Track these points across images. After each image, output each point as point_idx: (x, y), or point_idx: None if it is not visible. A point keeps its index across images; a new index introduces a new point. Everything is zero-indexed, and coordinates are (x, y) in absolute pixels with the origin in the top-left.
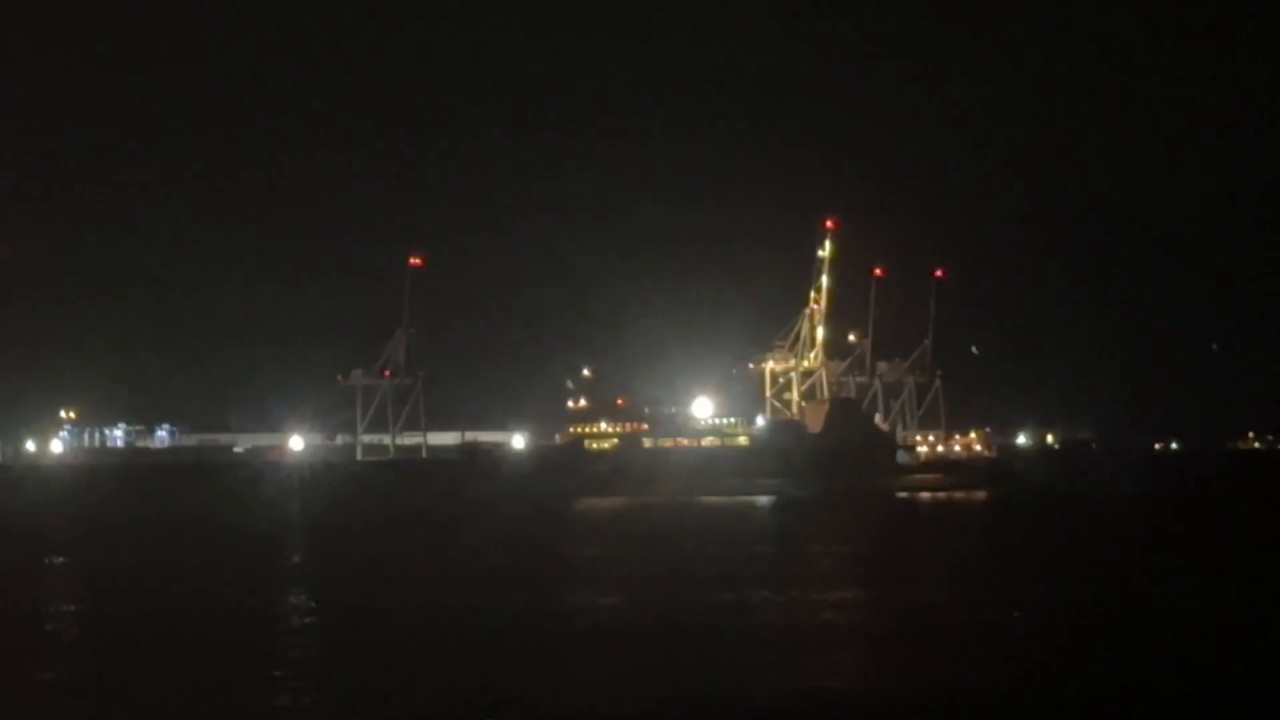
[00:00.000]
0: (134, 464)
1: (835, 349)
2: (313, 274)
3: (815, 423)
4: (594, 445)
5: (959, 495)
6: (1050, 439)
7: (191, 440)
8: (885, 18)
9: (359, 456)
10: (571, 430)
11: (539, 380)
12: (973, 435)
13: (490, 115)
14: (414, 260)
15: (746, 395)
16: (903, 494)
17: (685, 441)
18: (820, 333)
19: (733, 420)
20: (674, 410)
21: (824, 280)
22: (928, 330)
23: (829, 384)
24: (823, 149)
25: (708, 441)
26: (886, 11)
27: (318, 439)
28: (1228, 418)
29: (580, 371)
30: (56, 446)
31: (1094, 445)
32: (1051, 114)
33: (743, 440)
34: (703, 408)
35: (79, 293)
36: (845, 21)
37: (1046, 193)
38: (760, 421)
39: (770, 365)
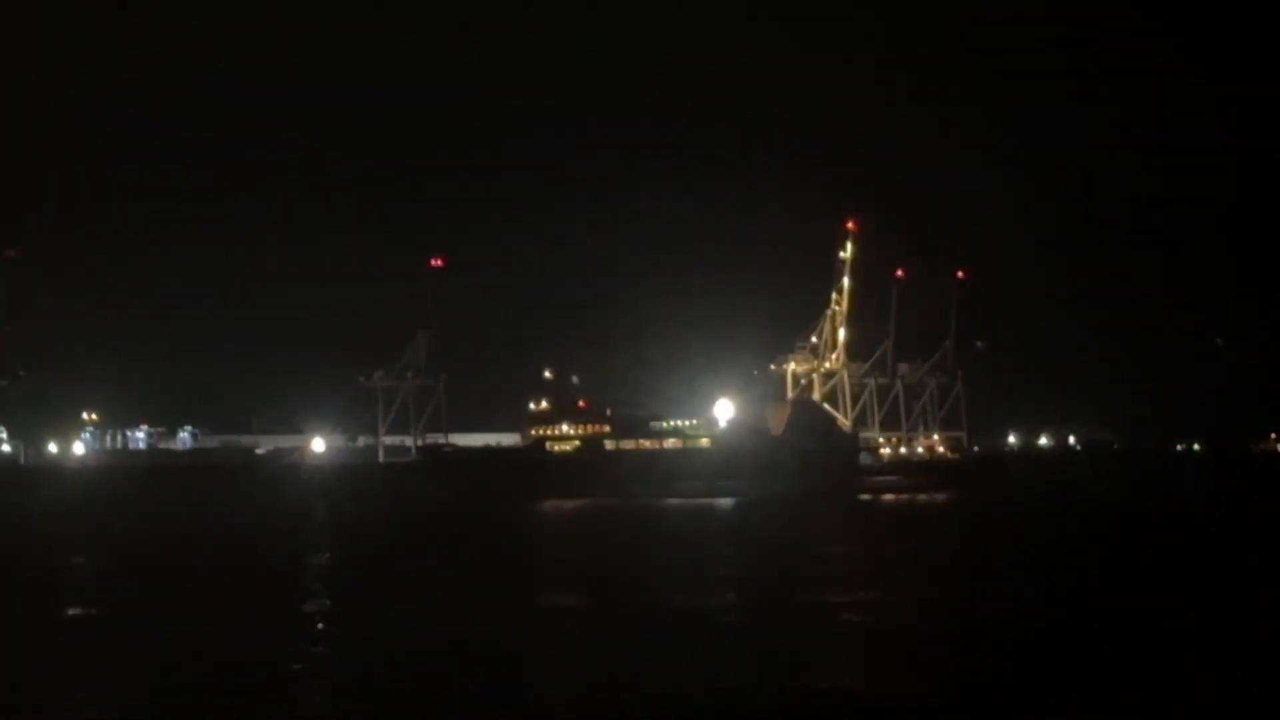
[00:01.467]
0: (154, 466)
1: (857, 350)
2: (334, 276)
3: (777, 424)
4: (555, 447)
5: (920, 497)
6: (1072, 439)
7: (213, 442)
8: (908, 17)
9: (381, 458)
10: (533, 432)
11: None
12: (935, 437)
13: (513, 117)
14: (435, 262)
15: (768, 397)
16: (864, 495)
17: (647, 444)
18: (842, 334)
19: (694, 422)
20: (640, 413)
21: (845, 282)
22: (949, 331)
23: (850, 385)
24: (844, 150)
25: (670, 443)
26: (909, 11)
27: (339, 441)
28: (1251, 419)
29: (557, 373)
30: (78, 448)
31: (1115, 446)
32: (1075, 113)
33: (705, 442)
34: (724, 410)
35: (101, 295)
36: (868, 21)
37: (1069, 192)
38: (722, 423)
39: (792, 367)
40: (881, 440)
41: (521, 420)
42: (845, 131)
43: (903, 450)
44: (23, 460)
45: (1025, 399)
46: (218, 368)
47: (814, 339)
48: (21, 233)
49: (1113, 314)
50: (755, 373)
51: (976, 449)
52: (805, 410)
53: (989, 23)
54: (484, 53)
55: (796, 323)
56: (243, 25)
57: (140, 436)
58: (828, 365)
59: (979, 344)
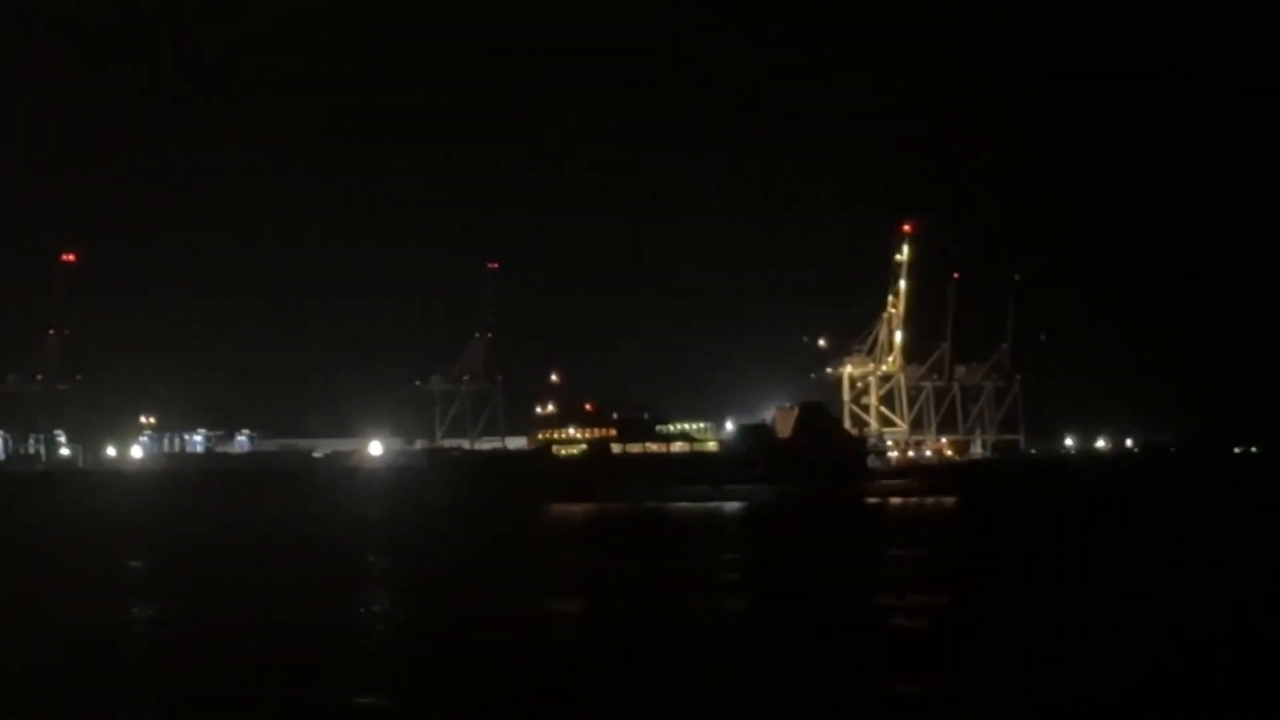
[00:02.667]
0: (210, 469)
1: (913, 353)
2: (391, 280)
3: (785, 427)
4: (562, 451)
5: (929, 501)
6: (1129, 442)
7: (271, 445)
8: (963, 18)
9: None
10: (539, 436)
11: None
12: (943, 440)
13: (567, 119)
14: (491, 265)
15: (825, 400)
16: (872, 499)
17: (654, 447)
18: (898, 337)
19: (702, 425)
20: (644, 417)
21: (902, 284)
22: (1006, 333)
23: (907, 388)
24: (901, 152)
25: (677, 447)
26: (964, 12)
27: (396, 444)
28: None
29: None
30: (136, 452)
31: (1172, 449)
32: (1130, 114)
33: (712, 445)
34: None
35: (160, 299)
36: (926, 23)
37: (1129, 192)
38: (729, 426)
39: (848, 370)
40: (890, 443)
41: (529, 424)
42: (902, 133)
43: (910, 453)
44: (81, 463)
45: (1083, 401)
46: (275, 371)
47: (871, 340)
48: (81, 237)
49: (1174, 315)
50: (812, 376)
51: (1034, 451)
52: (813, 413)
53: (1043, 20)
54: (536, 55)
55: (853, 326)
56: (301, 32)
57: (198, 440)
58: (884, 368)
59: (1040, 336)
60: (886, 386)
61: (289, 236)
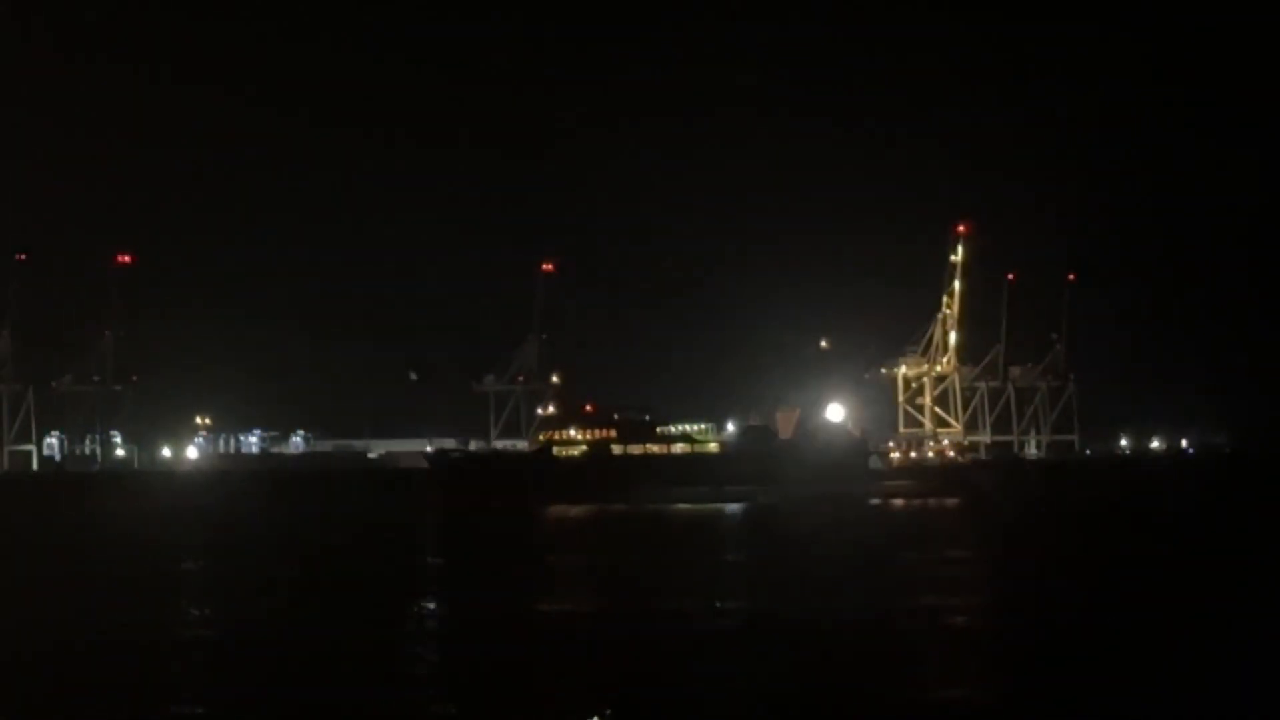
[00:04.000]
0: (264, 470)
1: (968, 353)
2: (445, 280)
3: (786, 428)
4: (562, 452)
5: (931, 502)
6: (1184, 443)
7: (326, 447)
8: (1017, 19)
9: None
10: (540, 437)
11: (669, 384)
12: (946, 442)
13: (623, 119)
14: (546, 266)
15: (880, 400)
16: (875, 500)
17: (655, 449)
18: (953, 337)
19: (703, 426)
20: (645, 418)
21: (956, 285)
22: (1061, 334)
23: (961, 388)
24: (956, 153)
25: (678, 448)
26: (1017, 13)
27: (451, 444)
28: None
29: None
30: (191, 453)
31: (1227, 450)
32: (1185, 113)
33: (713, 447)
34: (835, 413)
35: (215, 301)
36: (979, 23)
37: (1182, 193)
38: (730, 427)
39: (903, 370)
40: (891, 445)
41: (530, 425)
42: (956, 134)
43: (913, 454)
44: (136, 464)
45: (1139, 401)
46: (331, 372)
47: (925, 341)
48: (136, 239)
49: (1230, 316)
50: (866, 376)
51: (1089, 452)
52: (815, 414)
53: (1097, 21)
54: (595, 57)
55: (908, 326)
56: (357, 31)
57: (253, 441)
58: (939, 368)
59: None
60: (941, 387)
61: (346, 237)
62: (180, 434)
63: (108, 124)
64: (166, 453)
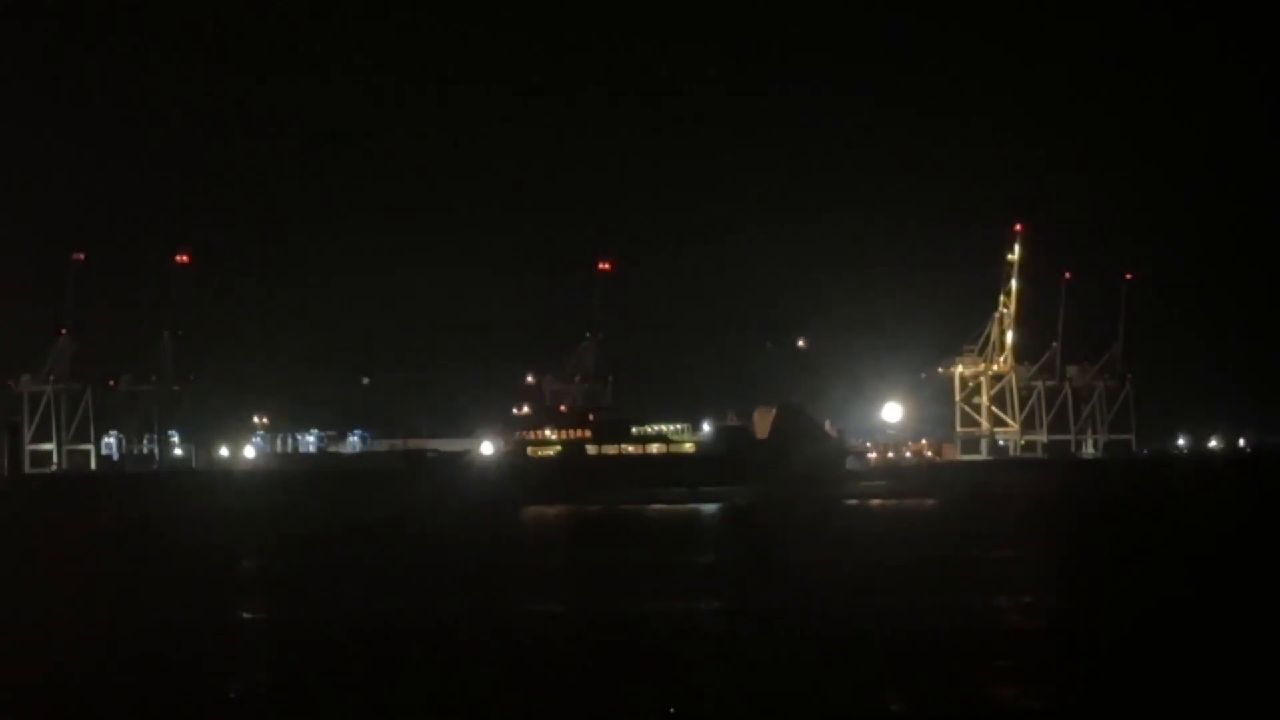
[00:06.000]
0: (323, 469)
1: (1025, 353)
2: (502, 279)
3: (763, 429)
4: (537, 452)
5: (909, 502)
6: (1242, 442)
7: (383, 446)
8: (1076, 17)
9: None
10: (516, 436)
11: (719, 384)
12: (924, 442)
13: (677, 118)
14: (603, 265)
15: (936, 400)
16: (851, 501)
17: (630, 449)
18: (1010, 336)
19: (679, 426)
20: (622, 418)
21: (1013, 284)
22: (1118, 333)
23: (1018, 388)
24: (1013, 151)
25: (654, 449)
26: (1077, 11)
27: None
28: None
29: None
30: (249, 452)
31: None
32: (1248, 110)
33: (689, 447)
34: (892, 413)
35: (273, 300)
36: (1036, 20)
37: (1241, 191)
38: (706, 427)
39: (960, 370)
40: (869, 445)
41: (504, 425)
42: (1013, 132)
43: (890, 455)
44: (194, 463)
45: (1198, 401)
46: (388, 371)
47: (982, 340)
48: (194, 238)
49: None
50: (923, 375)
51: (1146, 451)
52: (792, 414)
53: (1157, 18)
54: (656, 59)
55: (964, 325)
56: (410, 30)
57: (310, 440)
58: (995, 368)
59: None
60: (998, 386)
61: (401, 235)
62: (238, 433)
63: (166, 122)
64: (224, 452)
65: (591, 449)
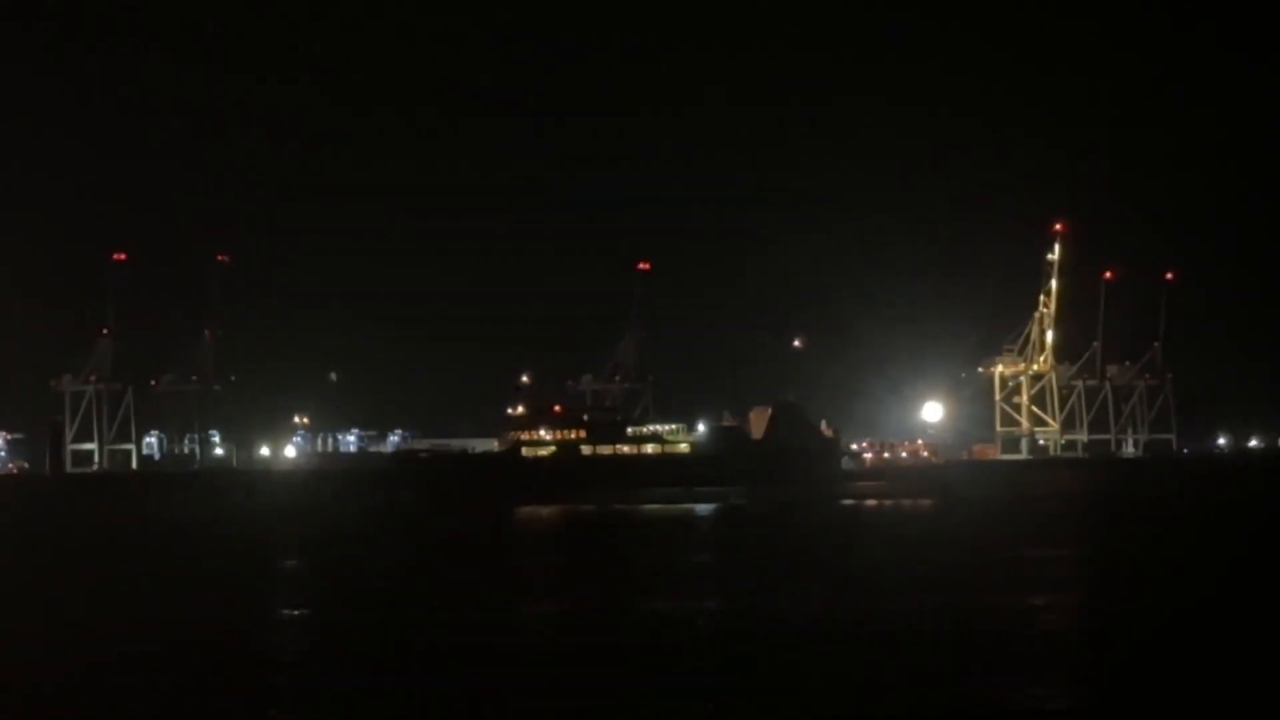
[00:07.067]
0: (362, 469)
1: (1065, 352)
2: (541, 279)
3: (758, 429)
4: (531, 452)
5: (905, 503)
6: None
7: (423, 445)
8: (1115, 18)
9: None
10: (510, 437)
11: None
12: (919, 442)
13: (717, 120)
14: (642, 265)
15: (976, 399)
16: (847, 501)
17: (625, 449)
18: (1050, 336)
19: (674, 427)
20: (618, 418)
21: (1053, 283)
22: (1158, 333)
23: (1058, 387)
24: (1052, 150)
25: (649, 449)
26: (1116, 11)
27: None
28: None
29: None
30: (290, 451)
31: None
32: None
33: (684, 447)
34: (933, 412)
35: (313, 300)
36: (1077, 21)
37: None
38: (701, 428)
39: (1000, 369)
40: (865, 445)
41: (498, 425)
42: (1052, 130)
43: (885, 455)
44: (234, 463)
45: (1239, 400)
46: (428, 371)
47: (1022, 339)
48: (234, 238)
49: None
50: (963, 375)
51: (1186, 450)
52: (787, 415)
53: (1199, 19)
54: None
55: (1004, 325)
56: (451, 36)
57: (350, 440)
58: (1035, 367)
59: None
60: (1038, 386)
61: (439, 236)
62: (278, 433)
63: (207, 122)
64: (264, 451)
65: (586, 449)
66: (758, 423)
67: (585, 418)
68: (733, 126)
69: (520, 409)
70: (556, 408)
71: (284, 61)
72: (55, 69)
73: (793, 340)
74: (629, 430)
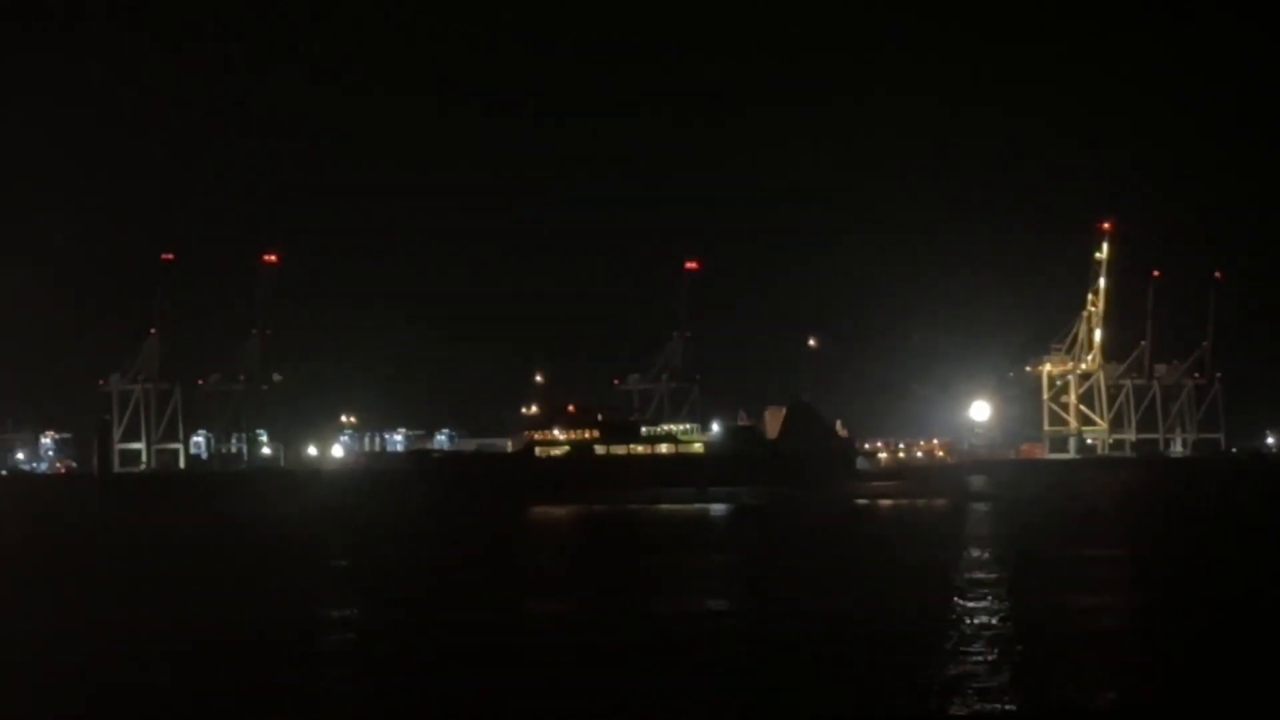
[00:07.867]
0: (412, 468)
1: (1113, 351)
2: (587, 280)
3: (773, 428)
4: (545, 452)
5: (920, 503)
6: None
7: (470, 444)
8: (1160, 19)
9: None
10: (524, 436)
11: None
12: (935, 441)
13: (769, 122)
14: (690, 264)
15: (1024, 398)
16: (861, 500)
17: (639, 449)
18: (1098, 335)
19: (688, 426)
20: (634, 417)
21: (1101, 282)
22: (1207, 332)
23: (1106, 386)
24: (1100, 149)
25: (662, 449)
26: (1163, 12)
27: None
28: None
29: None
30: (337, 451)
31: None
32: None
33: (698, 447)
34: (980, 411)
35: (360, 300)
36: (1123, 22)
37: None
38: (715, 428)
39: (1048, 368)
40: (880, 444)
41: (513, 425)
42: (1102, 130)
43: (901, 454)
44: (282, 462)
45: None
46: (475, 370)
47: (1070, 339)
48: (281, 239)
49: None
50: (1010, 374)
51: (1235, 450)
52: (802, 414)
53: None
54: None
55: (1052, 324)
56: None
57: (398, 439)
58: (1084, 366)
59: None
60: (1086, 385)
61: (486, 237)
62: (326, 433)
63: (254, 125)
64: (312, 451)
65: (600, 449)
66: (773, 422)
67: (599, 417)
68: (759, 127)
69: (534, 408)
70: (570, 407)
71: (328, 68)
72: (108, 74)
73: (809, 341)
74: (643, 430)
